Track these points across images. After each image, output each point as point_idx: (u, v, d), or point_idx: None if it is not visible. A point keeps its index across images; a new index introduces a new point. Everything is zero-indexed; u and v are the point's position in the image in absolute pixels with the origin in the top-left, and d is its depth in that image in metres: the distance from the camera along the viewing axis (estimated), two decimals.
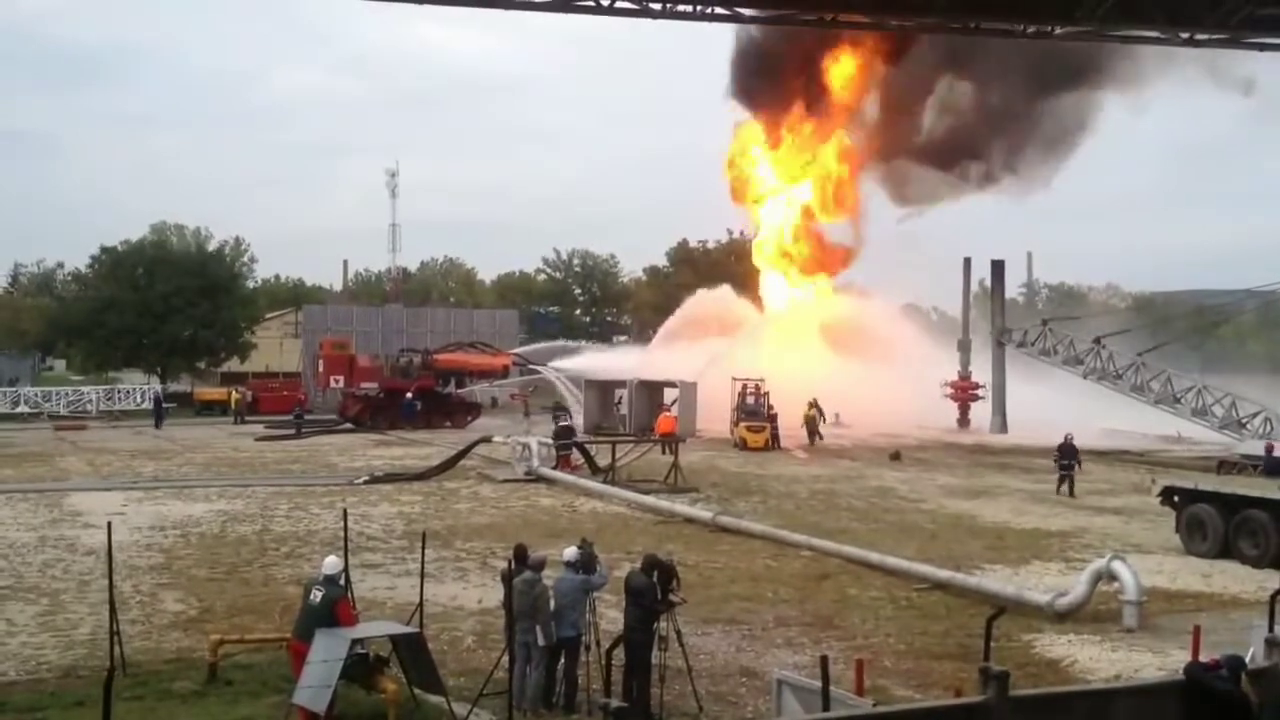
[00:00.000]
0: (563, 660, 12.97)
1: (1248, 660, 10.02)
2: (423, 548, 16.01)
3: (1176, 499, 23.83)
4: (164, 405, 56.03)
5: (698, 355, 52.00)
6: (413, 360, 56.27)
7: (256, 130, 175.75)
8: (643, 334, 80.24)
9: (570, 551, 13.46)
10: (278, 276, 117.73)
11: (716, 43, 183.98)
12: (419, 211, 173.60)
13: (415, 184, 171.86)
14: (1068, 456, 31.81)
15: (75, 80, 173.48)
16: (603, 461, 33.80)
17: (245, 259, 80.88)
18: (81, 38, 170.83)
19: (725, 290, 64.38)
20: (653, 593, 12.87)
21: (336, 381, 55.97)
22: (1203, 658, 10.50)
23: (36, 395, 63.17)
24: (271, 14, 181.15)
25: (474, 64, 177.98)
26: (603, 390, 52.56)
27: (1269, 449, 33.07)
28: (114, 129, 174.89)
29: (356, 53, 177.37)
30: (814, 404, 46.89)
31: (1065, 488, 31.36)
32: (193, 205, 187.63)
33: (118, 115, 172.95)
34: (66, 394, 64.15)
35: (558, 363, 59.63)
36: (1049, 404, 49.00)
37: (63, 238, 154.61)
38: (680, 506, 27.47)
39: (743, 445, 43.37)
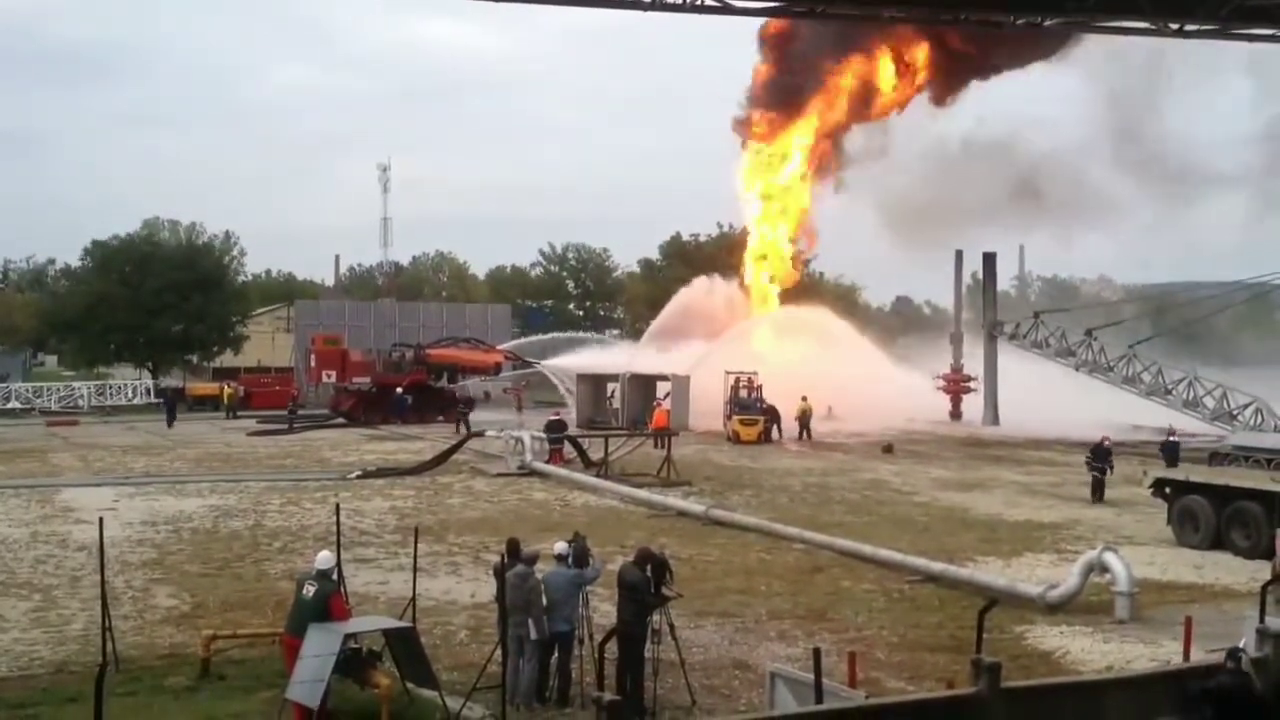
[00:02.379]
0: (556, 654, 12.98)
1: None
2: (415, 542, 16.04)
3: (1168, 490, 23.89)
4: (175, 402, 54.51)
5: (689, 355, 52.01)
6: (405, 355, 56.23)
7: (250, 126, 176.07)
8: (634, 327, 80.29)
9: (560, 545, 13.46)
10: (269, 271, 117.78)
11: (709, 37, 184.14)
12: (412, 207, 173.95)
13: (409, 179, 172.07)
14: (1101, 459, 29.71)
15: (71, 77, 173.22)
16: (595, 455, 33.80)
17: (235, 253, 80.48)
18: (77, 35, 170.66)
19: (718, 283, 64.52)
20: (646, 586, 12.88)
21: (329, 376, 55.92)
22: (1194, 656, 10.48)
23: (28, 391, 62.94)
24: (267, 11, 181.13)
25: (468, 60, 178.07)
26: (595, 384, 52.56)
27: (1170, 432, 33.26)
28: (108, 126, 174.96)
29: (352, 49, 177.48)
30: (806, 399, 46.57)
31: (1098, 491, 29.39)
32: (186, 201, 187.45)
33: (112, 112, 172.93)
34: (58, 390, 63.97)
35: (549, 361, 59.60)
36: (1042, 396, 49.10)
37: (55, 235, 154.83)
38: (673, 500, 27.49)
39: (736, 439, 43.38)
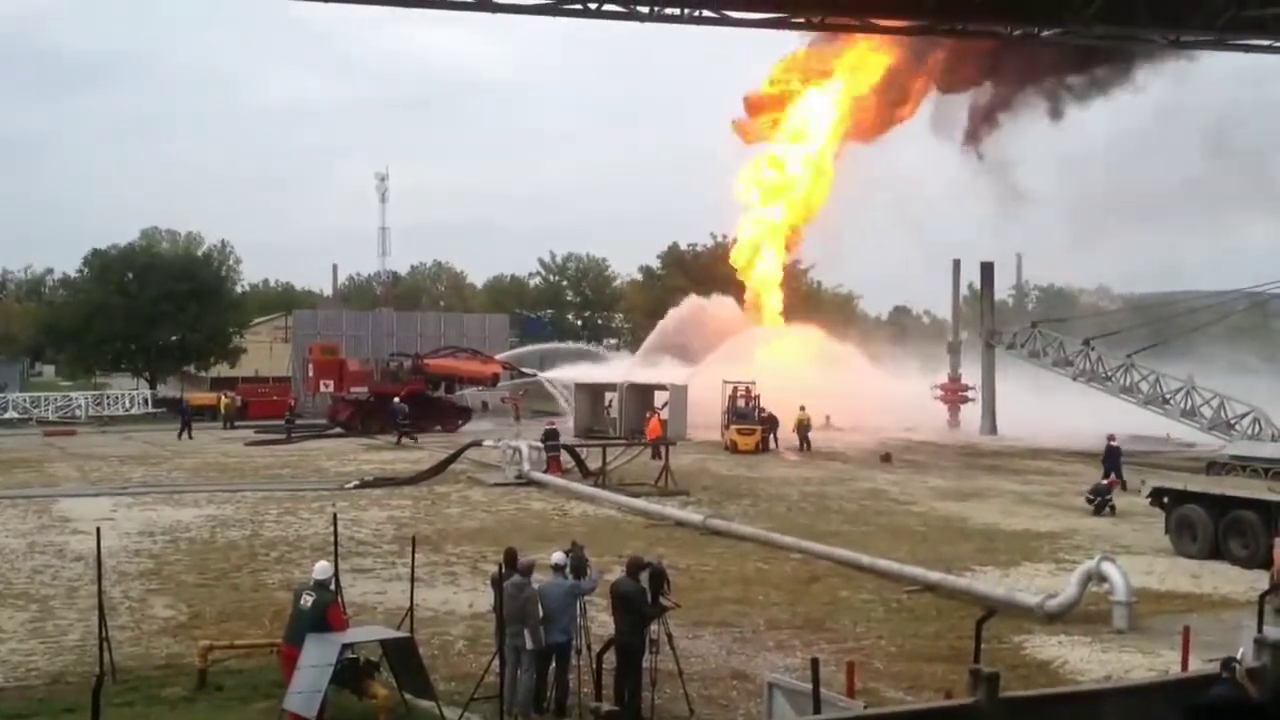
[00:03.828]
0: (553, 664, 12.96)
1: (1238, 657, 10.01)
2: (413, 552, 15.98)
3: (1166, 500, 23.89)
4: (189, 413, 52.81)
5: (685, 368, 52.11)
6: (402, 365, 56.22)
7: (246, 134, 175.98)
8: (636, 336, 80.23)
9: (557, 556, 13.44)
10: (267, 281, 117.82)
11: (707, 45, 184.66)
12: (410, 215, 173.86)
13: (407, 187, 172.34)
14: (1100, 494, 28.79)
15: (67, 84, 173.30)
16: (593, 465, 33.78)
17: (231, 262, 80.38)
18: (73, 42, 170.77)
19: (717, 300, 64.60)
20: (642, 597, 12.86)
21: (326, 386, 55.82)
22: (1192, 665, 10.44)
23: (25, 401, 62.84)
24: (264, 19, 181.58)
25: (464, 67, 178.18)
26: (593, 393, 52.57)
27: (1110, 439, 33.35)
28: (105, 133, 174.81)
29: (347, 57, 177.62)
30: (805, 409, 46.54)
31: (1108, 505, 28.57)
32: (183, 210, 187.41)
33: (108, 120, 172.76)
34: (55, 399, 63.91)
35: (548, 373, 59.62)
36: (1039, 406, 49.11)
37: (53, 242, 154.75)
38: (671, 509, 27.47)
39: (733, 448, 43.37)
